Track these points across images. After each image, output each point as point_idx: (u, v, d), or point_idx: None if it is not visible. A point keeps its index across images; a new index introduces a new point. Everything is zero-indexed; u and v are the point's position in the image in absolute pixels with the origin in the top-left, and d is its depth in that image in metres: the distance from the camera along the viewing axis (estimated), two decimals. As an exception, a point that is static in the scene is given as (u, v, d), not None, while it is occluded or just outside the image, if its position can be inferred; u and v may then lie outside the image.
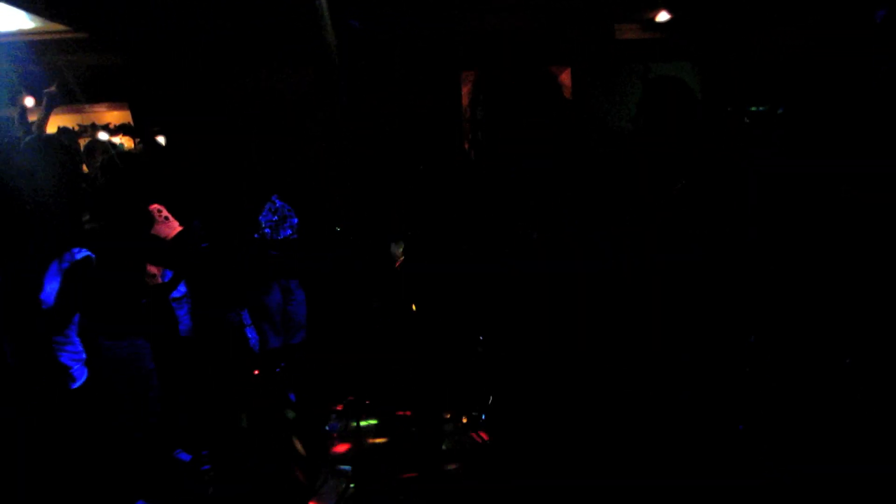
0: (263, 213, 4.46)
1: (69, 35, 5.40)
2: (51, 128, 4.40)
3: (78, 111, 6.46)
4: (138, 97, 5.68)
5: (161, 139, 4.88)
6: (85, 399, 2.33)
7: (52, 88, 3.96)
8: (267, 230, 4.46)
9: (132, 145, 6.92)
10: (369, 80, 3.63)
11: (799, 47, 5.16)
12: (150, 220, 2.91)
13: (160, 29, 4.78)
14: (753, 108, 4.79)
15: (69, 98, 5.21)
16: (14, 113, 4.07)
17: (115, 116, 6.69)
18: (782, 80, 5.16)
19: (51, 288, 2.22)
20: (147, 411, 2.90)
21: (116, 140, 6.76)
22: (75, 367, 2.38)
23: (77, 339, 2.42)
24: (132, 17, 4.54)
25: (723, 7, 5.59)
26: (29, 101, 5.89)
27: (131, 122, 6.24)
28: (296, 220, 4.49)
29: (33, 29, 5.39)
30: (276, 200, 4.44)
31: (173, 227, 2.93)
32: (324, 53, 3.60)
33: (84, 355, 2.44)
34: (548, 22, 5.94)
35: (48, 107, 4.02)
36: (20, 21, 5.21)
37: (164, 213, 2.95)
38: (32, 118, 4.11)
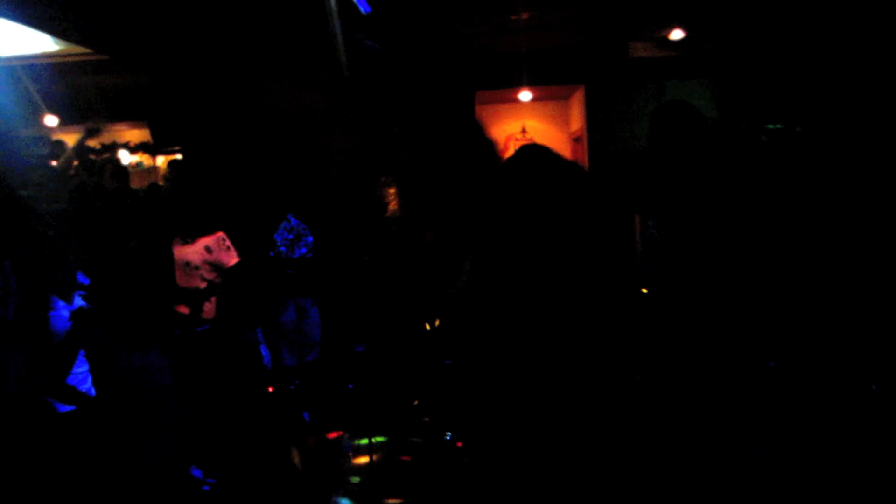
0: (279, 232, 4.50)
1: (91, 57, 5.53)
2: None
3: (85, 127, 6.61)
4: (158, 117, 5.77)
5: (179, 157, 4.96)
6: (92, 416, 2.35)
7: (92, 123, 4.02)
8: (282, 248, 4.50)
9: (152, 163, 7.03)
10: (385, 99, 3.68)
11: (814, 65, 5.16)
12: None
13: (180, 50, 4.87)
14: (770, 126, 4.79)
15: (91, 118, 5.33)
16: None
17: (136, 135, 6.83)
18: (799, 98, 5.15)
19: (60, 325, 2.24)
20: (161, 426, 2.91)
21: (136, 158, 6.87)
22: (82, 386, 2.40)
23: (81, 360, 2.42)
24: (153, 40, 4.64)
25: (738, 25, 5.58)
26: (51, 121, 6.02)
27: (151, 141, 6.35)
28: (311, 239, 4.52)
29: (57, 51, 5.52)
30: (292, 219, 4.48)
31: (232, 257, 2.95)
32: (338, 73, 3.65)
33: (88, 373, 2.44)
34: (563, 42, 5.96)
35: (84, 137, 4.08)
36: (45, 44, 5.35)
37: (227, 242, 2.96)
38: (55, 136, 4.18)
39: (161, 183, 5.25)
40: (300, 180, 4.27)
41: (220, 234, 2.99)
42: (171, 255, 3.14)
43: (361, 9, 3.53)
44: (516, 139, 8.00)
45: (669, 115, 3.08)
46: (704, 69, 6.26)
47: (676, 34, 5.84)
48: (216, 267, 3.34)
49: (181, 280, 3.26)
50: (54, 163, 3.61)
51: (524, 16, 4.69)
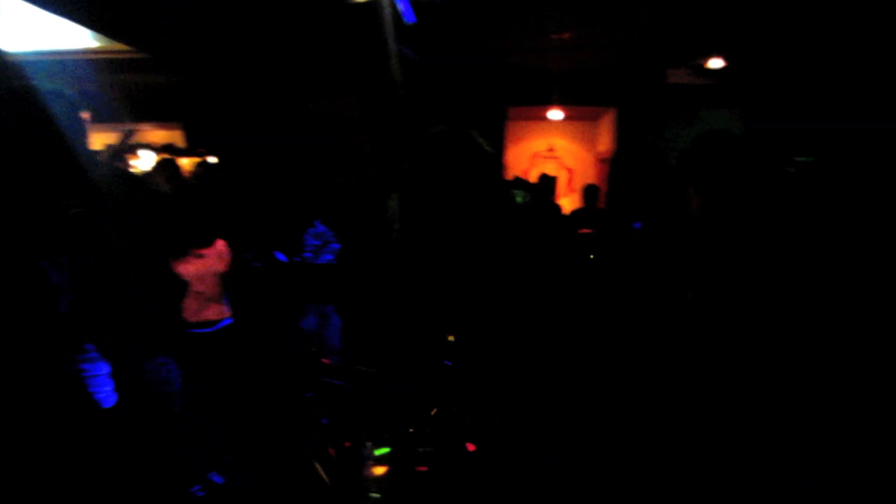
0: (305, 237, 4.49)
1: (125, 55, 5.56)
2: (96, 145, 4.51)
3: (122, 129, 6.62)
4: (192, 118, 5.78)
5: (212, 160, 4.97)
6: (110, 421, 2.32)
7: (131, 127, 4.05)
8: (308, 254, 4.49)
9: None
10: (422, 109, 3.68)
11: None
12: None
13: (218, 51, 4.89)
14: (799, 159, 4.76)
15: (117, 116, 5.34)
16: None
17: (161, 136, 6.83)
18: (827, 135, 5.14)
19: None
20: (169, 433, 2.90)
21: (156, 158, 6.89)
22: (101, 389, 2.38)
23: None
24: (195, 40, 4.65)
25: (774, 58, 5.55)
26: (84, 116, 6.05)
27: (176, 143, 6.36)
28: (337, 246, 4.51)
29: (95, 48, 5.56)
30: (319, 225, 4.47)
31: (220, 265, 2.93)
32: (382, 81, 3.65)
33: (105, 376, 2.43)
34: (598, 63, 5.95)
35: (123, 141, 4.10)
36: (85, 40, 5.38)
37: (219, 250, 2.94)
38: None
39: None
40: (331, 187, 4.27)
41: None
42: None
43: (406, 19, 3.54)
44: (543, 157, 7.99)
45: (715, 143, 3.07)
46: (738, 99, 6.23)
47: (714, 63, 5.81)
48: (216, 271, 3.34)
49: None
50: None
51: (566, 35, 4.67)
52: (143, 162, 6.14)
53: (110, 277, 2.05)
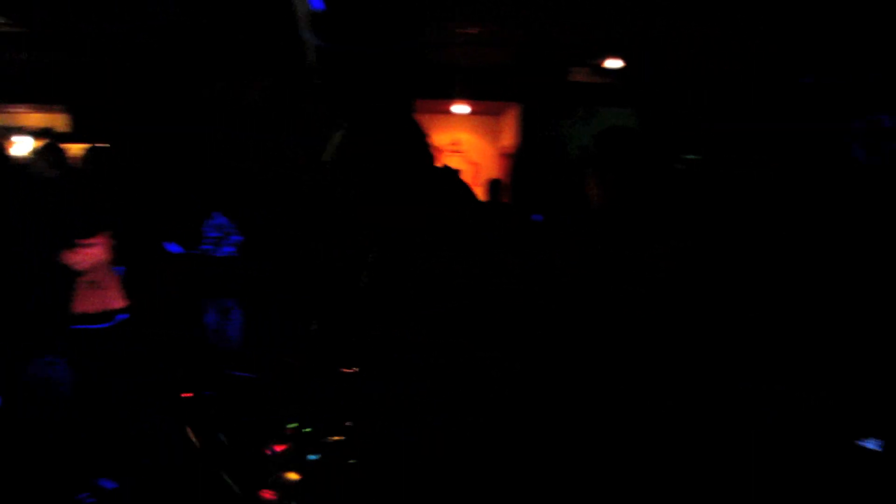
0: (204, 230, 4.33)
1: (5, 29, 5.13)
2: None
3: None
4: (78, 101, 5.41)
5: (101, 145, 4.68)
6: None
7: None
8: (206, 247, 4.33)
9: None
10: (330, 99, 3.62)
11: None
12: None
13: (107, 28, 4.60)
14: (688, 157, 5.04)
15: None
16: None
17: (38, 119, 6.32)
18: (715, 133, 5.48)
19: None
20: (56, 437, 2.73)
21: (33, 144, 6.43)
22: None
23: None
24: (79, 15, 4.36)
25: (669, 61, 5.85)
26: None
27: (55, 127, 5.93)
28: (238, 238, 4.38)
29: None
30: (219, 217, 4.32)
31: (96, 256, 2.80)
32: (293, 68, 3.54)
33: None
34: (503, 60, 6.07)
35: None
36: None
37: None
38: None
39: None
40: (233, 178, 4.12)
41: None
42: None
43: (312, 5, 3.45)
44: (448, 151, 8.05)
45: (616, 139, 3.19)
46: (633, 99, 6.52)
47: (612, 63, 6.06)
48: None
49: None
50: None
51: (472, 30, 4.73)
52: (19, 147, 5.69)
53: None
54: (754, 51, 5.14)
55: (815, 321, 2.58)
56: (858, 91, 4.28)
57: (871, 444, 2.39)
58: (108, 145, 4.63)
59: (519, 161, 3.84)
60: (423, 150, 2.55)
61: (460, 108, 6.98)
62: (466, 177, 3.05)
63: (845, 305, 2.55)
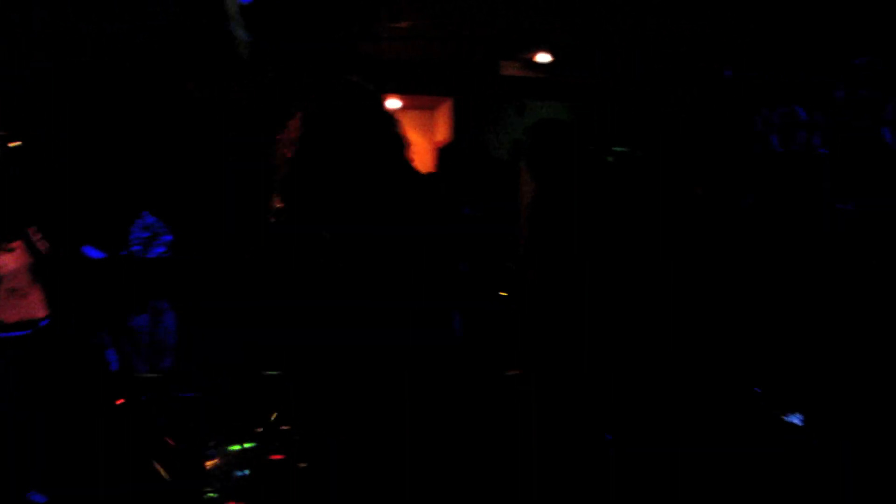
0: (133, 229, 4.21)
1: None
2: None
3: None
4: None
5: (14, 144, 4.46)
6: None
7: None
8: (136, 248, 4.21)
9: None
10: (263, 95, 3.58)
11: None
12: None
13: (106, 28, 4.40)
14: (616, 149, 5.19)
15: None
16: None
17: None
18: (643, 127, 5.67)
19: None
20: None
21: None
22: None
23: None
24: (78, 15, 4.17)
25: (599, 57, 6.00)
26: None
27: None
28: (170, 238, 4.27)
29: None
30: (148, 216, 4.20)
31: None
32: (224, 64, 3.47)
33: None
34: (435, 54, 6.08)
35: None
36: None
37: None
38: None
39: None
40: (163, 175, 4.01)
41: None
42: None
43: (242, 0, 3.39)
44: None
45: (547, 132, 3.25)
46: (564, 93, 6.65)
47: (542, 57, 6.17)
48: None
49: None
50: None
51: (404, 24, 4.73)
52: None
53: None
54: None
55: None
56: (777, 85, 4.49)
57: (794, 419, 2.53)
58: (19, 143, 4.41)
59: (450, 155, 3.88)
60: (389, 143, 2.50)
61: (393, 103, 6.96)
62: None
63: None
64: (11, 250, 2.93)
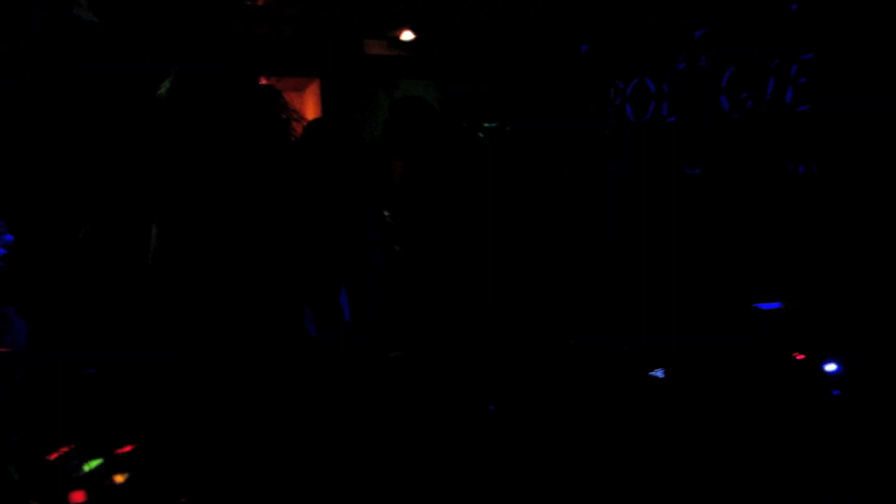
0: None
1: None
2: None
3: None
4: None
5: None
6: None
7: None
8: (-27, 250, 3.86)
9: None
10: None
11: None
12: None
13: None
14: (487, 125, 5.30)
15: None
16: None
17: None
18: (512, 102, 5.79)
19: None
20: None
21: None
22: None
23: None
24: None
25: (463, 34, 6.04)
26: None
27: None
28: (10, 238, 3.96)
29: None
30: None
31: None
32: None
33: None
34: (299, 35, 5.92)
35: None
36: None
37: None
38: None
39: None
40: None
41: None
42: None
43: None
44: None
45: (407, 110, 3.26)
46: (432, 71, 6.66)
47: (406, 35, 6.14)
48: None
49: None
50: None
51: (259, 3, 4.55)
52: None
53: None
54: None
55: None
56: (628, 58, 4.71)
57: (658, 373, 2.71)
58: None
59: (318, 134, 3.81)
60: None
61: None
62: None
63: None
64: None
